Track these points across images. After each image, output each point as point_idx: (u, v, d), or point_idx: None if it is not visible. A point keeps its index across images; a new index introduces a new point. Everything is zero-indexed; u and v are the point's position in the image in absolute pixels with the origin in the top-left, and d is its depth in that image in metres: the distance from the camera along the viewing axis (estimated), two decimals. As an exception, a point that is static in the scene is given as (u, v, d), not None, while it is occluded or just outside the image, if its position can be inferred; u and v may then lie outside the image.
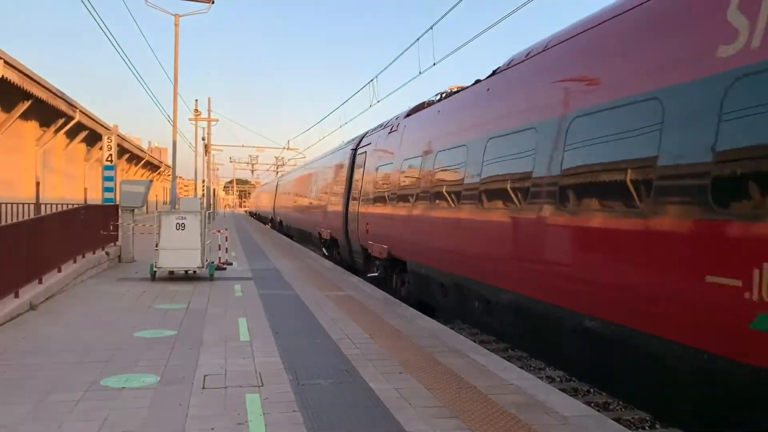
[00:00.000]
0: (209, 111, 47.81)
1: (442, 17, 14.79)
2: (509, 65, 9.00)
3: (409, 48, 17.03)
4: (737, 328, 4.36)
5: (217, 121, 47.27)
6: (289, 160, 73.07)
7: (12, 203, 19.94)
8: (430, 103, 13.19)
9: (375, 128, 17.28)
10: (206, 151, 52.31)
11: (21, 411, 5.16)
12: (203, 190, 49.92)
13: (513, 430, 4.92)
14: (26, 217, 13.93)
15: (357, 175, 17.37)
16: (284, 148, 61.56)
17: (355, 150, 18.47)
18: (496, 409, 5.40)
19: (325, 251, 22.09)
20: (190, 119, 44.15)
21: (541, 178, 7.12)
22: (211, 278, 14.19)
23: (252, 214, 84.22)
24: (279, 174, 56.49)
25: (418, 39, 16.35)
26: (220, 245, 18.35)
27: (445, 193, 10.12)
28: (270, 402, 5.49)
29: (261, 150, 70.27)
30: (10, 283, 9.31)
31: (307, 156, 58.04)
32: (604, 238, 5.95)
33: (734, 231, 4.51)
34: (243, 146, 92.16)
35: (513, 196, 7.81)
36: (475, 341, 10.79)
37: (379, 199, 14.27)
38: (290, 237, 32.79)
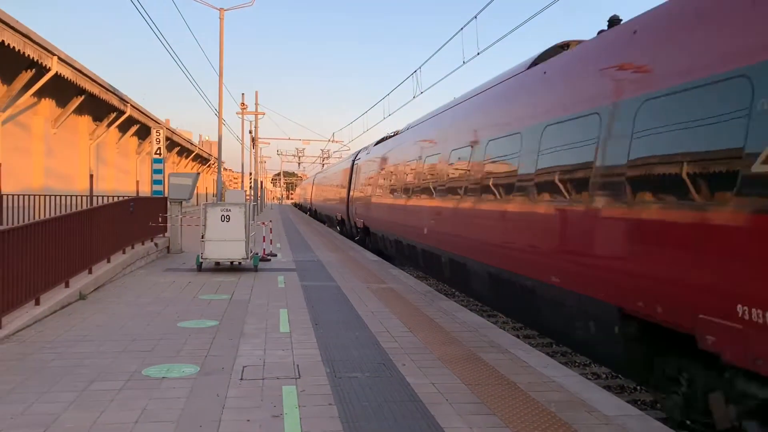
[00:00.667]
0: (256, 104, 48.41)
1: (486, 5, 14.52)
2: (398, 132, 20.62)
3: (452, 38, 16.81)
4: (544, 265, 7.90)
5: (264, 114, 47.89)
6: (334, 152, 73.54)
7: (67, 195, 20.62)
8: (389, 136, 21.86)
9: (365, 147, 27.34)
10: (253, 144, 53.02)
11: (66, 398, 5.29)
12: (251, 183, 50.67)
13: (552, 428, 4.78)
14: (79, 209, 14.36)
15: (353, 177, 26.94)
16: (329, 140, 61.96)
17: (353, 161, 28.10)
18: (536, 407, 5.26)
19: (338, 228, 32.69)
20: (237, 113, 44.80)
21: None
22: (255, 269, 14.36)
23: (296, 205, 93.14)
24: (314, 173, 64.03)
25: (462, 29, 16.12)
26: (264, 237, 18.56)
27: (387, 190, 18.54)
28: (306, 394, 5.49)
29: (307, 143, 70.94)
30: (61, 272, 9.60)
31: (351, 148, 58.84)
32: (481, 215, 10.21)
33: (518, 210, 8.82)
34: (289, 139, 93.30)
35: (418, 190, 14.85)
36: (518, 336, 10.63)
37: (361, 193, 23.88)
38: (322, 222, 43.60)
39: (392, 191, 17.66)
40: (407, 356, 6.86)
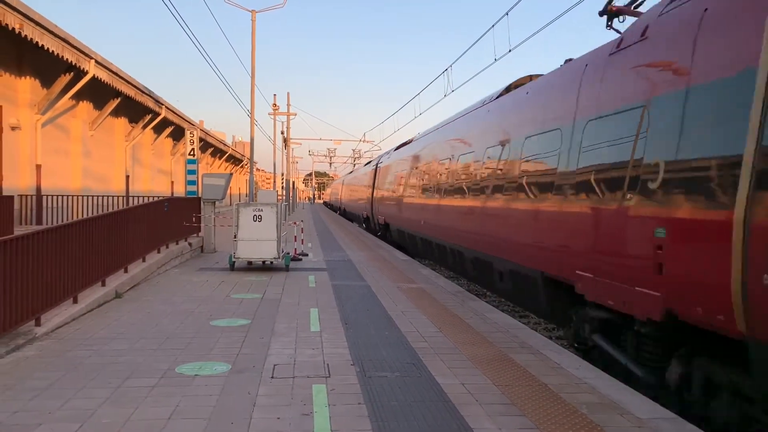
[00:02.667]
0: (288, 105, 48.80)
1: (518, 2, 14.39)
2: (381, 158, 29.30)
3: (484, 35, 16.70)
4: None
5: (296, 115, 48.21)
6: (365, 152, 73.70)
7: (104, 195, 21.08)
8: (406, 143, 25.51)
9: (387, 151, 31.78)
10: (285, 144, 53.46)
11: (101, 395, 5.41)
12: (282, 183, 51.09)
13: (583, 431, 4.71)
14: (115, 209, 14.69)
15: (375, 179, 30.52)
16: (360, 140, 62.11)
17: (376, 165, 32.17)
18: (567, 409, 5.20)
19: (363, 224, 36.14)
20: (269, 113, 45.23)
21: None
22: (286, 269, 14.49)
23: (326, 204, 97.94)
24: (343, 175, 69.14)
25: (493, 26, 16.00)
26: (296, 236, 18.70)
27: (400, 190, 22.01)
28: (336, 393, 5.52)
29: (338, 143, 71.19)
30: (98, 271, 9.82)
31: (382, 148, 59.49)
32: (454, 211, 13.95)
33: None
34: (321, 139, 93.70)
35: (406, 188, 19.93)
36: (549, 337, 10.52)
37: (382, 193, 27.21)
38: (350, 220, 46.31)
39: (403, 192, 21.69)
40: (437, 356, 6.85)
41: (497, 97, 12.89)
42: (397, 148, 27.56)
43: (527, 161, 9.72)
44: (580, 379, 6.08)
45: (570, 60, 9.81)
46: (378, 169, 30.47)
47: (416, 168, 19.78)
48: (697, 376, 5.76)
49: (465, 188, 13.09)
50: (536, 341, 7.67)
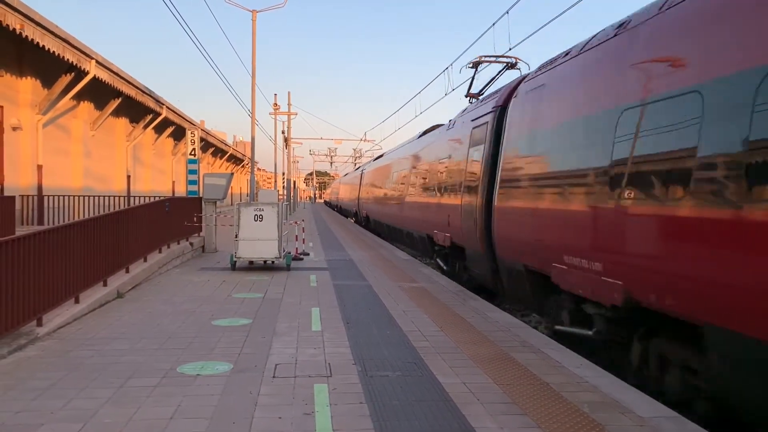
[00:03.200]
0: (289, 105, 48.83)
1: (518, 1, 14.38)
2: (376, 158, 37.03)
3: (484, 34, 16.70)
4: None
5: (296, 114, 48.28)
6: (366, 151, 73.72)
7: (106, 195, 21.10)
8: (378, 157, 33.45)
9: (369, 161, 36.76)
10: (286, 144, 53.48)
11: (104, 394, 5.42)
12: (283, 183, 51.11)
13: (585, 429, 4.72)
14: (116, 209, 14.70)
15: (361, 183, 37.94)
16: (361, 139, 62.14)
17: (361, 171, 39.90)
18: (568, 408, 5.20)
19: (353, 219, 40.06)
20: (270, 113, 45.24)
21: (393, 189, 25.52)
22: (288, 268, 14.50)
23: (326, 203, 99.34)
24: (340, 178, 75.84)
25: (493, 24, 16.00)
26: (297, 236, 18.71)
27: (373, 191, 31.59)
28: (338, 393, 5.52)
29: (339, 142, 71.24)
30: (99, 271, 9.83)
31: (383, 147, 60.13)
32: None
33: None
34: (321, 139, 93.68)
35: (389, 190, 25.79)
36: (551, 336, 10.51)
37: (364, 193, 35.09)
38: (345, 216, 50.70)
39: (375, 193, 29.89)
40: (438, 355, 6.85)
41: (418, 137, 21.04)
42: (375, 159, 37.22)
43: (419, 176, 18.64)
44: (581, 378, 6.08)
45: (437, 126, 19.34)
46: (362, 174, 39.21)
47: (380, 176, 29.15)
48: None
49: (397, 192, 22.60)
50: (537, 340, 7.67)
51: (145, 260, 12.69)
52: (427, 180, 17.23)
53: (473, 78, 15.42)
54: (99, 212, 19.18)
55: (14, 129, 18.06)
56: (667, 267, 5.72)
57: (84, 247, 9.09)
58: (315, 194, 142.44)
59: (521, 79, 11.17)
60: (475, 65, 14.77)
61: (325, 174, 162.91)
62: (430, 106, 27.04)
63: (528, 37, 13.81)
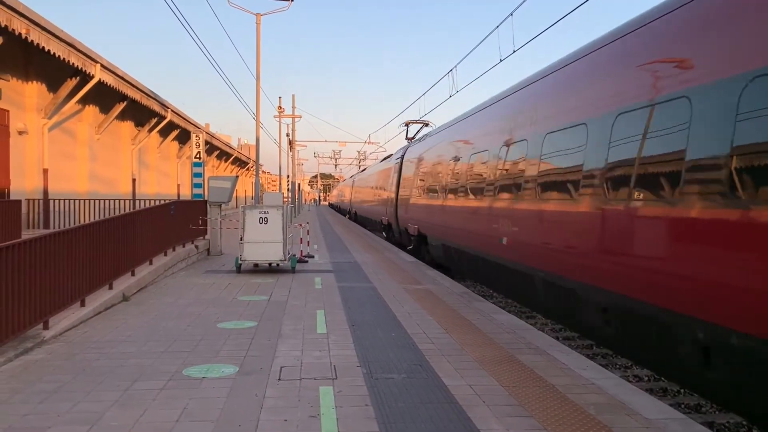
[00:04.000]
0: (293, 108, 48.89)
1: (522, 2, 14.38)
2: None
3: (488, 36, 16.71)
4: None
5: (300, 117, 48.26)
6: (370, 153, 73.80)
7: (111, 199, 21.17)
8: (387, 157, 35.34)
9: (418, 139, 32.63)
10: (291, 146, 53.55)
11: (110, 397, 5.43)
12: (288, 185, 51.18)
13: (591, 431, 4.71)
14: (122, 212, 14.77)
15: (342, 187, 65.39)
16: (365, 142, 62.19)
17: (353, 179, 47.89)
18: (574, 409, 5.19)
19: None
20: (274, 116, 45.31)
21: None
22: (293, 270, 14.51)
23: (331, 206, 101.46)
24: (353, 174, 77.32)
25: (497, 26, 16.00)
26: (302, 238, 18.73)
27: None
28: (343, 395, 5.52)
29: (343, 145, 71.36)
30: (105, 275, 9.86)
31: (387, 149, 60.45)
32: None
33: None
34: (326, 141, 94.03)
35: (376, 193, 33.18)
36: (556, 338, 10.49)
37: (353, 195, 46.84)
38: (343, 215, 57.05)
39: (358, 194, 39.60)
40: (444, 358, 6.85)
41: (380, 161, 34.60)
42: (360, 171, 49.78)
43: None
44: (587, 379, 6.06)
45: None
46: (353, 182, 43.97)
47: (361, 185, 40.24)
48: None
49: (368, 195, 34.69)
50: (543, 342, 7.66)
51: (151, 263, 12.73)
52: (379, 188, 30.47)
53: (407, 131, 26.85)
54: (104, 216, 19.24)
55: (20, 133, 18.15)
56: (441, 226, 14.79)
57: (90, 251, 9.12)
58: (320, 196, 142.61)
59: (408, 145, 24.42)
60: (406, 124, 26.60)
61: (330, 176, 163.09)
62: (434, 108, 26.96)
63: (531, 41, 13.81)
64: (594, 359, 9.33)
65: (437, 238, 16.56)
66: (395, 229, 24.59)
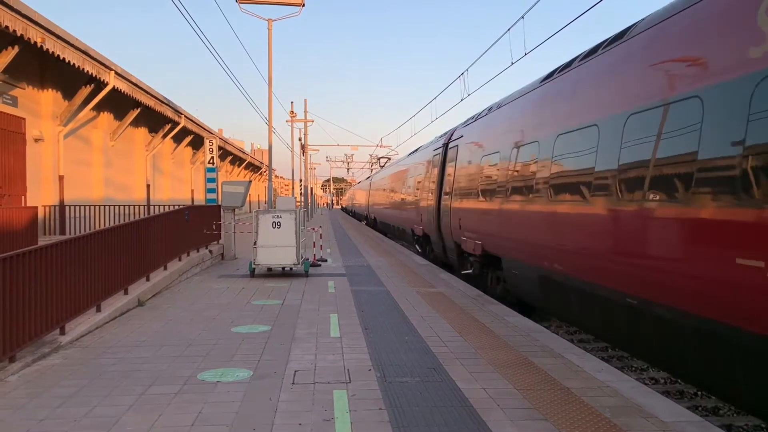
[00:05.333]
0: (305, 112, 49.05)
1: (534, 5, 14.35)
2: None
3: (499, 39, 16.67)
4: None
5: (312, 121, 48.39)
6: (381, 157, 73.88)
7: (126, 205, 21.35)
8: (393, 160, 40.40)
9: (371, 174, 48.14)
10: (303, 151, 53.72)
11: (126, 402, 5.47)
12: (301, 190, 51.33)
13: (607, 435, 4.67)
14: (137, 218, 14.87)
15: (355, 191, 65.06)
16: (377, 145, 62.29)
17: (370, 178, 42.40)
18: (590, 413, 5.15)
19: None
20: (287, 121, 45.50)
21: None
22: (306, 275, 14.54)
23: (344, 209, 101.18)
24: (354, 184, 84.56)
25: (509, 29, 15.96)
26: (315, 242, 18.77)
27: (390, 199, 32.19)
28: (357, 399, 5.52)
29: (355, 148, 71.50)
30: (120, 280, 9.94)
31: (399, 152, 59.96)
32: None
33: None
34: (338, 145, 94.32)
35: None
36: (571, 341, 10.43)
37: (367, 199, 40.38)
38: (358, 219, 57.56)
39: (380, 197, 38.89)
40: (458, 361, 6.83)
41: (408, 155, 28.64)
42: (381, 168, 46.88)
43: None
44: (602, 382, 6.02)
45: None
46: (370, 183, 37.24)
47: (383, 188, 36.63)
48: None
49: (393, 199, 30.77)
50: (557, 345, 7.61)
51: (166, 268, 12.81)
52: (408, 188, 25.02)
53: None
54: (119, 221, 19.40)
55: (36, 141, 18.36)
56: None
57: (105, 256, 9.20)
58: (332, 200, 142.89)
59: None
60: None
61: (342, 180, 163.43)
62: (446, 111, 26.90)
63: (542, 43, 13.77)
64: (609, 362, 9.26)
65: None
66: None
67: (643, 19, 7.79)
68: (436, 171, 18.54)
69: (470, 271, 14.13)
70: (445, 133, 19.38)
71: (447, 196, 16.48)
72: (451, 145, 17.23)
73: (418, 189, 21.72)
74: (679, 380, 8.42)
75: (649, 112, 6.77)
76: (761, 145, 4.97)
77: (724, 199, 5.31)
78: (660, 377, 8.67)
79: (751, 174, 5.04)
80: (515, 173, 10.91)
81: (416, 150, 25.80)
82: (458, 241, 15.01)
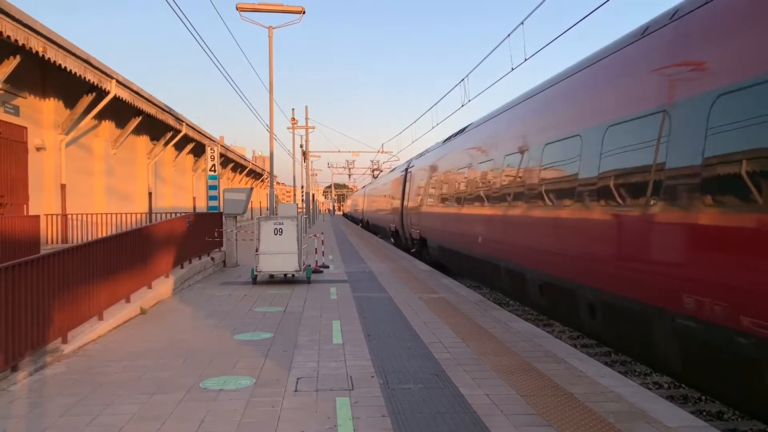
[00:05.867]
0: (306, 119, 49.12)
1: (533, 11, 14.38)
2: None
3: (499, 45, 16.70)
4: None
5: (314, 128, 48.46)
6: (383, 163, 73.93)
7: (128, 213, 21.36)
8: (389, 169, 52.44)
9: (362, 188, 59.12)
10: (304, 157, 53.77)
11: (129, 410, 5.47)
12: (302, 196, 51.37)
13: (611, 440, 4.66)
14: (139, 226, 14.88)
15: (355, 197, 70.06)
16: (379, 151, 62.33)
17: (364, 189, 51.90)
18: (594, 418, 5.14)
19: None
20: (288, 128, 45.57)
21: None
22: (308, 281, 14.54)
23: (345, 215, 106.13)
24: (354, 191, 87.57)
25: (509, 35, 16.00)
26: (316, 249, 18.77)
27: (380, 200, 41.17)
28: (360, 406, 5.51)
29: (356, 155, 71.59)
30: (123, 288, 9.95)
31: (400, 158, 61.16)
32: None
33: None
34: (339, 151, 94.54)
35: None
36: (574, 345, 10.40)
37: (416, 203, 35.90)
38: (355, 223, 63.03)
39: (370, 203, 43.32)
40: (460, 367, 6.81)
41: (389, 172, 39.86)
42: (371, 182, 59.53)
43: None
44: (606, 387, 6.00)
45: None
46: (365, 193, 57.88)
47: (373, 196, 45.59)
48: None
49: (378, 204, 39.02)
50: (560, 350, 7.60)
51: (168, 276, 12.81)
52: (388, 198, 33.45)
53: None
54: (122, 229, 19.41)
55: (38, 149, 18.40)
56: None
57: (107, 265, 9.21)
58: (334, 206, 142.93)
59: (412, 158, 27.27)
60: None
61: (344, 186, 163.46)
62: (446, 118, 26.92)
63: (541, 49, 13.80)
64: (613, 366, 9.24)
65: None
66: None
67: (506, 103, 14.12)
68: (400, 187, 28.44)
69: (414, 249, 24.01)
70: (409, 160, 29.11)
71: (405, 204, 26.06)
72: (409, 170, 26.68)
73: (392, 199, 31.65)
74: (683, 385, 8.39)
75: (512, 156, 11.59)
76: (619, 169, 7.41)
77: (606, 203, 7.78)
78: (663, 382, 8.65)
79: (613, 188, 7.54)
80: (427, 192, 20.69)
81: (393, 170, 39.16)
82: (410, 232, 24.64)
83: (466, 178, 15.40)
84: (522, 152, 11.08)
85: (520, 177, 10.90)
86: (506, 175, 11.79)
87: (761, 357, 4.94)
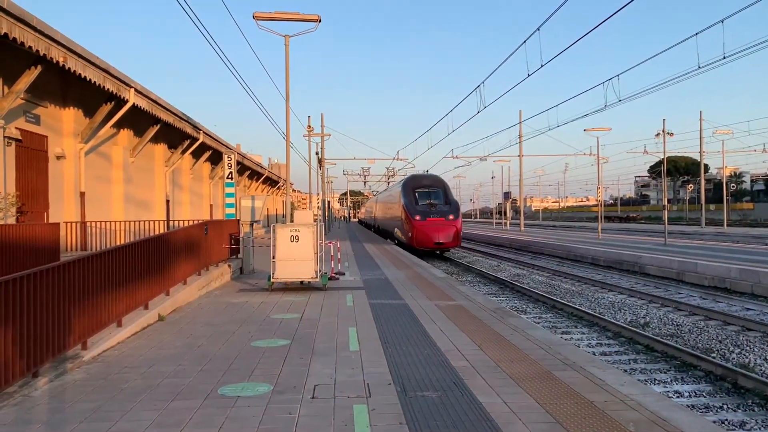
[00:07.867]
0: (322, 127, 49.32)
1: (549, 17, 14.35)
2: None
3: (515, 51, 16.68)
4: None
5: (330, 135, 48.64)
6: (399, 170, 74.10)
7: (147, 220, 21.56)
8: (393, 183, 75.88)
9: (381, 191, 72.22)
10: (320, 165, 54.00)
11: (148, 417, 5.50)
12: (318, 204, 51.56)
13: (632, 450, 4.60)
14: (157, 233, 14.98)
15: (369, 204, 76.69)
16: (394, 158, 62.44)
17: (376, 197, 64.09)
18: (614, 427, 5.08)
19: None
20: (304, 135, 45.78)
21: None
22: (324, 288, 14.56)
23: (360, 222, 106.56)
24: (369, 199, 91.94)
25: (524, 41, 15.99)
26: (332, 256, 18.80)
27: (374, 211, 66.23)
28: (377, 413, 5.50)
29: (372, 162, 71.82)
30: (141, 295, 10.02)
31: (416, 166, 63.93)
32: None
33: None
34: (355, 159, 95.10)
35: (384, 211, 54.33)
36: (593, 353, 10.31)
37: (376, 213, 58.52)
38: (368, 228, 68.70)
39: (377, 210, 55.96)
40: (478, 375, 6.78)
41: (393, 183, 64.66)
42: (381, 191, 65.19)
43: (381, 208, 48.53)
44: (626, 395, 5.94)
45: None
46: (376, 201, 60.97)
47: (380, 203, 53.11)
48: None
49: (382, 211, 52.40)
50: (579, 358, 7.53)
51: (185, 283, 12.90)
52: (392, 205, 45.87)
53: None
54: (140, 237, 19.57)
55: (58, 158, 18.64)
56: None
57: (126, 272, 9.29)
58: (349, 214, 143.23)
59: (403, 177, 42.37)
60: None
61: (359, 194, 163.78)
62: (462, 124, 27.28)
63: (559, 54, 13.75)
64: (632, 375, 9.14)
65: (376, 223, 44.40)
66: (372, 225, 44.35)
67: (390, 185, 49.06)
68: (402, 198, 40.78)
69: (373, 228, 56.21)
70: (399, 181, 41.08)
71: (376, 214, 51.95)
72: (402, 186, 40.16)
73: (392, 208, 45.39)
74: (704, 393, 8.28)
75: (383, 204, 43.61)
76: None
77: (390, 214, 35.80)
78: (684, 391, 8.54)
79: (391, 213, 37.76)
80: (377, 209, 52.99)
81: (391, 185, 59.42)
82: (378, 225, 52.01)
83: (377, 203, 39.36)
84: (379, 202, 28.76)
85: (380, 206, 32.84)
86: (379, 205, 30.72)
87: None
